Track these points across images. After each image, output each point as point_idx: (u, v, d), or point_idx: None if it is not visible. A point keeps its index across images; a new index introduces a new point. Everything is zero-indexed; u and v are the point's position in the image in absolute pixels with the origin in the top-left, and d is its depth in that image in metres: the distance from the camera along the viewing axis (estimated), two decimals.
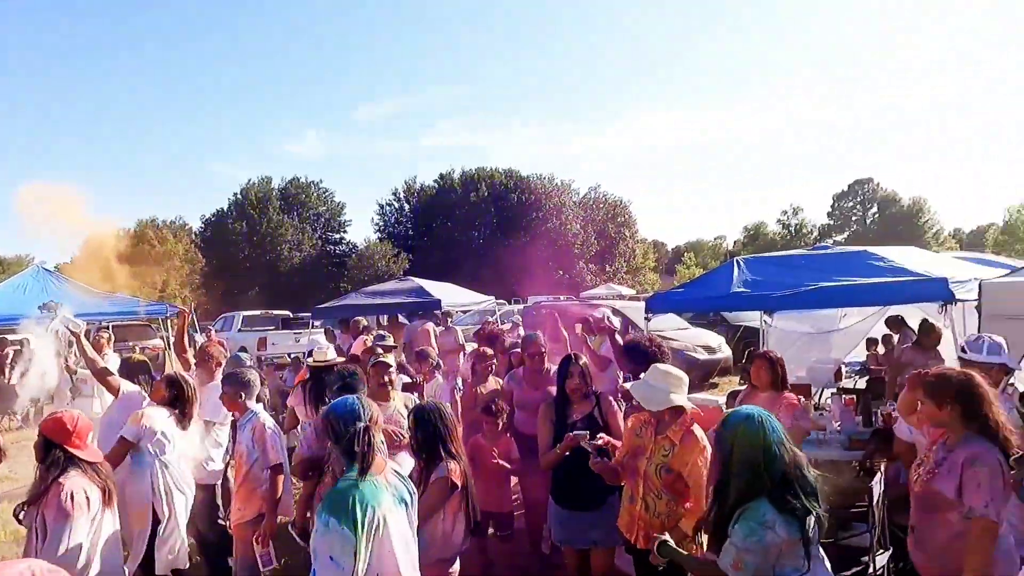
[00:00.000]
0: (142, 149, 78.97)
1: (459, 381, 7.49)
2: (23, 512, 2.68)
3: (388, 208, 51.05)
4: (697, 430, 3.21)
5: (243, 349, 10.38)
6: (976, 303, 4.01)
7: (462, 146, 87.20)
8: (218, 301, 40.98)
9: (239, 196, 47.91)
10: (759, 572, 2.34)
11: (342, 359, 6.17)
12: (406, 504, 2.53)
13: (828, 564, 2.49)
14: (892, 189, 62.60)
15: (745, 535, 2.33)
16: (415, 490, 2.67)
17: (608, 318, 7.53)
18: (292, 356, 11.22)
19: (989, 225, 53.74)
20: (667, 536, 2.75)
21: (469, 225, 44.40)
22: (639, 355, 4.38)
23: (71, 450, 2.69)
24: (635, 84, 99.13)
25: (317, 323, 13.52)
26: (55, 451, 2.68)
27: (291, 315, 20.13)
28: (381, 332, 7.57)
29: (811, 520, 2.34)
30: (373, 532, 2.29)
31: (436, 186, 49.04)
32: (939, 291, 4.46)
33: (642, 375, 3.44)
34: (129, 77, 77.43)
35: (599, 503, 3.64)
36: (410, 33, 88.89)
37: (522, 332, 8.84)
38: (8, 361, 10.16)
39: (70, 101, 75.37)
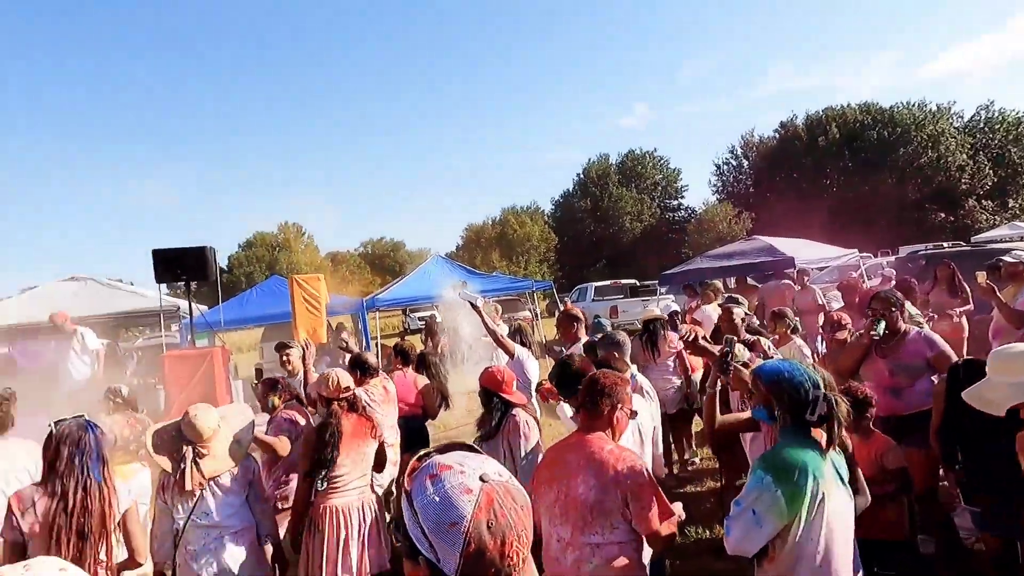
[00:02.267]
0: (502, 148, 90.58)
1: (820, 343, 6.97)
2: (483, 444, 3.45)
3: (725, 167, 49.37)
4: None
5: (597, 317, 11.20)
6: None
7: (800, 89, 78.92)
8: (569, 275, 44.89)
9: (581, 176, 51.53)
10: None
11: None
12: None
13: None
14: None
15: None
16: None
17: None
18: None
19: None
20: None
21: (819, 173, 40.17)
22: None
23: (504, 396, 3.55)
24: None
25: (663, 289, 13.86)
26: (494, 398, 3.56)
27: (637, 283, 20.98)
28: (732, 295, 7.41)
29: None
30: (816, 507, 2.12)
31: (776, 136, 45.63)
32: None
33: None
34: (475, 84, 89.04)
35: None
36: None
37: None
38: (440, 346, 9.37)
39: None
